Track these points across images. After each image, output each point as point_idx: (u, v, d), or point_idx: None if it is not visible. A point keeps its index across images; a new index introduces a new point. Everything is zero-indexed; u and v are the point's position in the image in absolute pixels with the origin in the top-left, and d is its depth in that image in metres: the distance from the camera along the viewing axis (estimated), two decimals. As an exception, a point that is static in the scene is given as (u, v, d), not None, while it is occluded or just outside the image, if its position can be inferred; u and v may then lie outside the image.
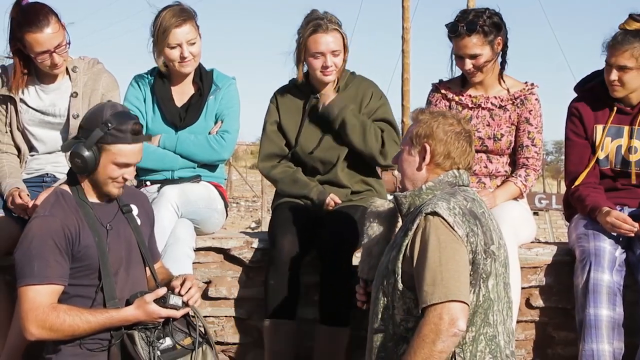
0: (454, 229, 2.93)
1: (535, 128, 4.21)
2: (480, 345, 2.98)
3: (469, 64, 4.11)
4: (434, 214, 2.95)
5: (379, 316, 3.07)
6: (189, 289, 3.30)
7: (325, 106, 4.16)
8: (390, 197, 3.57)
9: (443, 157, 3.14)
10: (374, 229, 3.39)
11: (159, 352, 3.19)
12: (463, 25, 4.04)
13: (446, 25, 4.12)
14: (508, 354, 3.05)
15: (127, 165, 3.26)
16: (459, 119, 3.21)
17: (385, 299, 3.05)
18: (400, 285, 3.00)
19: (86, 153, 3.19)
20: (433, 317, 2.85)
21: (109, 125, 3.17)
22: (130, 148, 3.23)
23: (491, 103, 4.23)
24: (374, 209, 3.42)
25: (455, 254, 2.91)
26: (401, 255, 3.01)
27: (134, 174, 3.36)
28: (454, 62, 4.22)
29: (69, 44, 3.98)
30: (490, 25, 4.07)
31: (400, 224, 3.35)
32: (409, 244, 3.00)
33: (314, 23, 4.09)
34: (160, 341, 3.23)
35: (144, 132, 3.31)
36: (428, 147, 3.13)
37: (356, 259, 3.97)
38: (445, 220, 2.94)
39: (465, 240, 2.94)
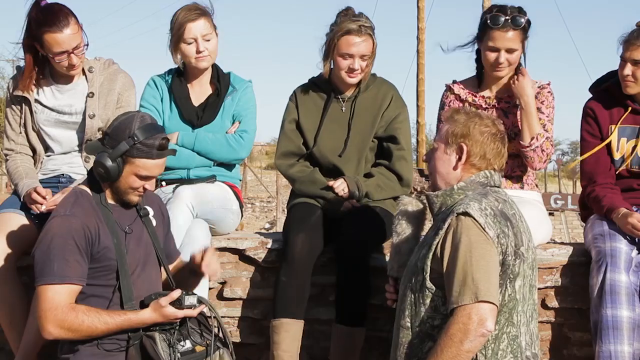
0: (485, 230, 2.96)
1: (547, 117, 4.20)
2: (502, 344, 3.00)
3: (504, 57, 4.09)
4: (466, 214, 2.98)
5: (406, 312, 3.09)
6: (209, 262, 3.37)
7: (348, 195, 4.14)
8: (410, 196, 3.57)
9: (479, 158, 3.17)
10: (403, 226, 3.42)
11: (179, 354, 3.20)
12: (508, 19, 4.03)
13: (488, 16, 4.07)
14: (529, 356, 3.06)
15: (149, 177, 3.29)
16: (494, 120, 3.25)
17: (413, 295, 3.07)
18: (428, 283, 3.03)
19: (110, 164, 3.20)
20: (462, 317, 2.87)
21: (135, 139, 3.18)
22: (154, 163, 3.25)
23: (505, 102, 4.23)
24: (402, 207, 3.44)
25: (486, 254, 2.93)
26: (431, 254, 3.03)
27: (155, 185, 3.38)
28: (474, 45, 4.21)
29: (87, 45, 4.00)
30: (527, 24, 4.09)
31: (427, 222, 3.37)
32: (440, 243, 3.02)
33: (349, 24, 4.09)
34: (181, 343, 3.24)
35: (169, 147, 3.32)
36: (465, 147, 3.16)
37: (372, 259, 3.99)
38: (477, 221, 2.96)
39: (496, 241, 2.96)
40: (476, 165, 3.18)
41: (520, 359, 3.02)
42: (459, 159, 3.17)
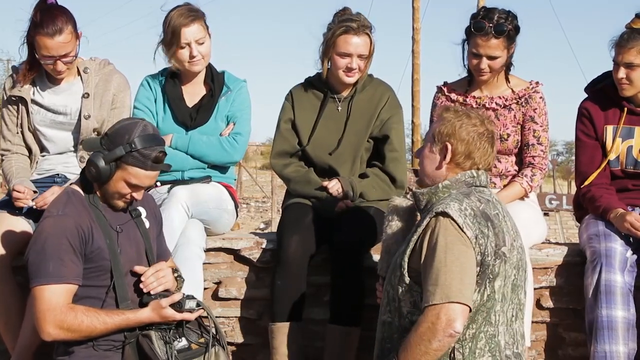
0: (462, 230, 2.95)
1: (541, 126, 4.21)
2: (480, 342, 3.01)
3: (485, 63, 4.10)
4: (444, 214, 2.97)
5: (387, 308, 3.12)
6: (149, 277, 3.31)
7: (342, 195, 4.14)
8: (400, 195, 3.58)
9: (464, 157, 3.15)
10: (393, 227, 3.42)
11: (175, 352, 3.21)
12: (491, 26, 4.04)
13: (472, 21, 4.10)
14: (509, 355, 3.06)
15: (138, 187, 3.28)
16: (483, 119, 3.22)
17: (393, 291, 3.10)
18: (407, 279, 3.04)
19: (102, 165, 3.19)
20: (431, 317, 2.89)
21: (133, 146, 3.17)
22: (146, 173, 3.24)
23: (495, 103, 4.24)
24: (393, 207, 3.44)
25: (461, 255, 2.94)
26: (409, 250, 3.04)
27: (142, 197, 3.37)
28: (465, 57, 4.22)
29: (76, 56, 4.00)
30: (513, 29, 4.09)
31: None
32: (418, 241, 3.03)
33: (347, 23, 4.10)
34: (178, 340, 3.26)
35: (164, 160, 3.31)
36: (449, 146, 3.15)
37: (367, 259, 3.99)
38: (455, 221, 2.96)
39: (473, 242, 2.96)
40: (461, 165, 3.17)
41: (499, 357, 3.03)
42: (444, 157, 3.17)
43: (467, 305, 2.91)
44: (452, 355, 2.98)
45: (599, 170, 4.11)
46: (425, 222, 3.02)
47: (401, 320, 3.07)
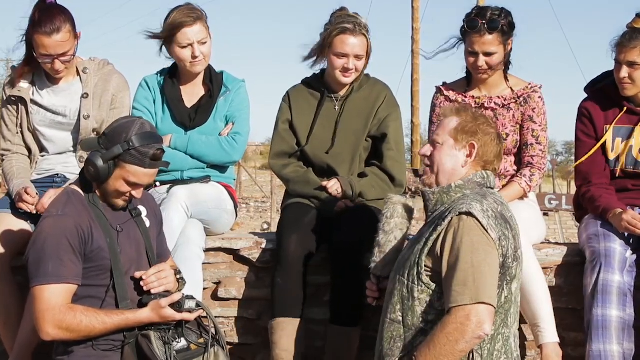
0: (487, 232, 2.96)
1: (540, 126, 4.21)
2: (497, 344, 3.02)
3: (482, 61, 4.11)
4: (468, 214, 2.98)
5: (397, 307, 3.10)
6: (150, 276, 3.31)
7: (341, 195, 4.13)
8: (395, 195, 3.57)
9: (486, 157, 3.19)
10: (391, 225, 3.41)
11: (174, 352, 3.21)
12: (484, 23, 4.05)
13: (465, 20, 4.12)
14: (515, 357, 3.07)
15: (137, 185, 3.28)
16: (494, 121, 3.30)
17: (405, 290, 3.08)
18: (424, 278, 3.03)
19: (100, 164, 3.19)
20: (460, 317, 2.88)
21: (131, 144, 3.18)
22: (145, 171, 3.24)
23: (494, 103, 4.24)
24: (391, 206, 3.43)
25: (488, 256, 2.94)
26: (427, 249, 3.04)
27: (141, 195, 3.37)
28: (454, 48, 4.24)
29: (74, 55, 4.00)
30: (507, 25, 4.10)
31: (415, 221, 3.38)
32: (439, 241, 3.02)
33: (344, 24, 4.10)
34: (177, 341, 3.26)
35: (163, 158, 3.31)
36: (476, 146, 3.17)
37: (367, 259, 3.99)
38: (480, 222, 2.96)
39: (497, 243, 2.97)
40: (480, 164, 3.19)
41: (512, 359, 3.04)
42: (469, 156, 3.18)
43: (494, 307, 2.91)
44: (471, 356, 2.98)
45: (598, 170, 4.11)
46: (446, 222, 3.01)
47: (415, 320, 3.06)
